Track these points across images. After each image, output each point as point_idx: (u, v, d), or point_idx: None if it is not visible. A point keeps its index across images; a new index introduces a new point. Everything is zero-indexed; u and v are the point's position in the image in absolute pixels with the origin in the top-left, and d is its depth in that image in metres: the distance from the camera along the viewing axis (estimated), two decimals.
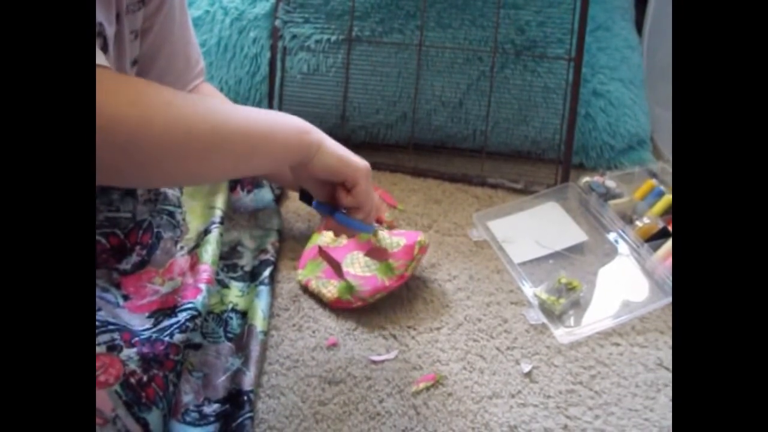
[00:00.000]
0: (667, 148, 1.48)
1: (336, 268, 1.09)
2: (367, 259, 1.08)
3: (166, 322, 0.91)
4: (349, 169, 0.89)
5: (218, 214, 1.12)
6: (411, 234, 1.10)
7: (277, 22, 1.39)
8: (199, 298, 0.95)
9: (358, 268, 1.07)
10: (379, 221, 1.18)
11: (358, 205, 0.92)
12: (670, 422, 0.92)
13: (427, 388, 0.95)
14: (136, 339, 0.84)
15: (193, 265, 1.02)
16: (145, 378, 0.80)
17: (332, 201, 0.94)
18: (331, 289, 1.07)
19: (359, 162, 0.91)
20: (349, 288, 1.05)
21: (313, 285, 1.08)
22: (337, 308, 1.06)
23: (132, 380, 0.78)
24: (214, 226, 1.09)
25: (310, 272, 1.10)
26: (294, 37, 1.38)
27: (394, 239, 1.08)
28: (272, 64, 1.40)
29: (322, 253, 1.12)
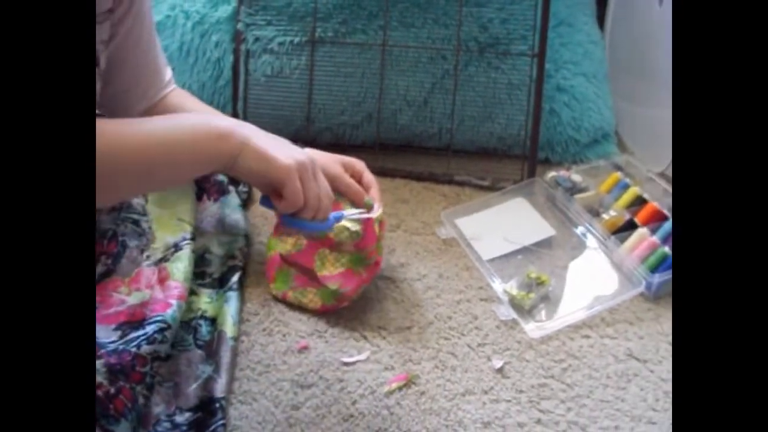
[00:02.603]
0: (631, 141, 1.49)
1: (309, 274, 1.08)
2: (335, 252, 1.07)
3: (133, 334, 0.90)
4: (270, 168, 0.81)
5: (188, 229, 1.10)
6: (364, 217, 1.04)
7: (240, 25, 1.38)
8: (169, 311, 0.94)
9: (331, 266, 1.06)
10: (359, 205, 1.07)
11: (292, 207, 0.84)
12: (641, 412, 0.93)
13: (400, 388, 0.95)
14: (102, 351, 0.83)
15: (163, 280, 1.01)
16: (112, 390, 0.79)
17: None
18: (312, 297, 1.06)
19: (284, 159, 0.81)
20: (332, 292, 1.05)
21: (291, 297, 1.08)
22: (325, 312, 1.06)
23: (99, 393, 0.77)
24: (185, 242, 1.07)
25: (283, 284, 1.09)
26: (257, 39, 1.38)
27: (351, 228, 1.03)
28: (235, 67, 1.39)
29: (288, 261, 1.10)
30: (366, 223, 1.03)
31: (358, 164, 1.09)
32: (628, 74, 1.55)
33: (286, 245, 1.10)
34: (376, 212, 1.04)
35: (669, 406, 0.94)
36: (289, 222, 0.86)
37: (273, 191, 0.84)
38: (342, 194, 1.02)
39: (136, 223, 1.09)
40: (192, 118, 0.84)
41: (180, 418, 0.88)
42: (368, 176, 1.08)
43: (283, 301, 1.08)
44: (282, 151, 0.82)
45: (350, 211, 1.01)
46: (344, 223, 1.03)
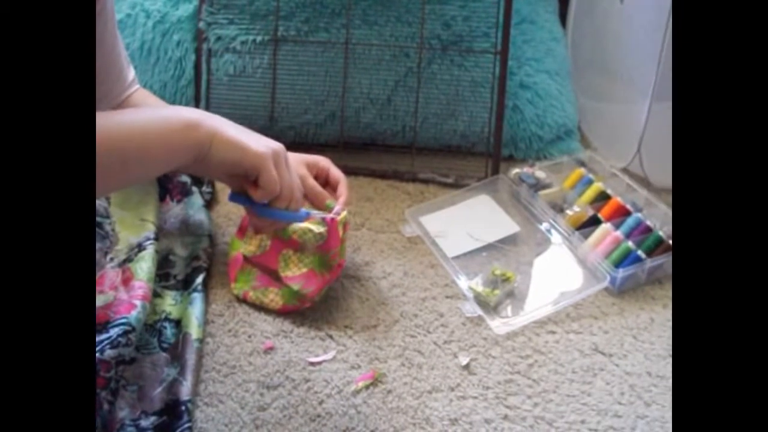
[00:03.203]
0: (594, 137, 1.50)
1: (273, 275, 1.07)
2: (299, 253, 1.07)
3: (96, 338, 0.89)
4: (245, 157, 0.80)
5: (151, 228, 1.10)
6: (327, 216, 1.04)
7: (201, 24, 1.37)
8: (134, 313, 0.93)
9: (294, 267, 1.06)
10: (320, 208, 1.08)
11: (269, 195, 0.84)
12: (607, 406, 0.94)
13: (367, 387, 0.95)
14: None
15: (127, 281, 1.00)
16: None
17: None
18: (273, 297, 1.06)
19: (258, 147, 0.81)
20: (294, 293, 1.04)
21: (252, 296, 1.07)
22: (286, 313, 1.06)
23: None
24: (149, 242, 1.07)
25: (244, 283, 1.08)
26: (219, 38, 1.37)
27: (315, 230, 1.04)
28: (197, 66, 1.38)
29: (252, 262, 1.09)
30: (330, 225, 1.03)
31: (323, 161, 1.08)
32: (590, 71, 1.56)
33: (250, 246, 1.09)
34: (341, 213, 1.04)
35: (634, 399, 0.95)
36: (263, 212, 0.86)
37: (247, 182, 0.84)
38: (305, 196, 1.02)
39: (98, 225, 1.08)
40: (161, 110, 0.84)
41: (145, 423, 0.87)
42: (335, 172, 1.08)
43: (244, 301, 1.08)
44: (253, 139, 0.82)
45: (315, 211, 1.01)
46: (308, 224, 1.03)
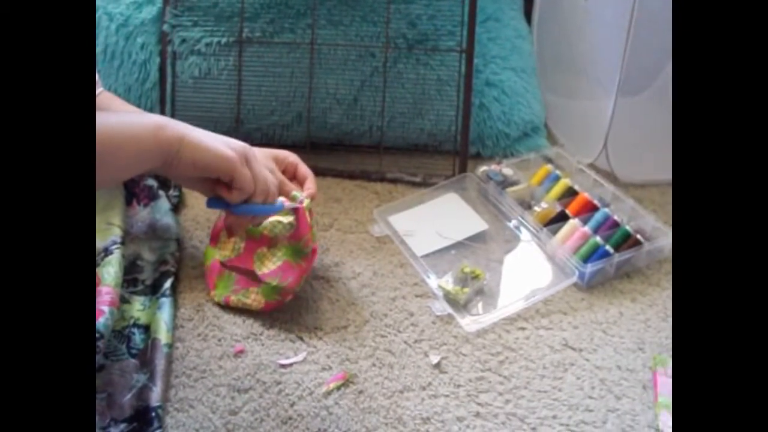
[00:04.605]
0: (560, 133, 1.51)
1: (250, 275, 1.07)
2: (272, 248, 1.06)
3: None
4: (216, 159, 0.82)
5: (118, 233, 1.09)
6: (294, 206, 1.04)
7: (165, 27, 1.36)
8: (102, 320, 0.92)
9: (269, 263, 1.05)
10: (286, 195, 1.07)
11: (245, 196, 0.86)
12: (578, 400, 0.94)
13: (338, 388, 0.95)
14: None
15: None
16: None
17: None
18: (255, 297, 1.05)
19: (226, 151, 0.83)
20: (273, 288, 1.04)
21: (234, 300, 1.06)
22: (270, 310, 1.05)
23: None
24: (115, 246, 1.05)
25: (225, 289, 1.07)
26: (183, 41, 1.36)
27: (284, 221, 1.04)
28: (162, 69, 1.37)
29: (228, 267, 1.09)
30: (297, 213, 1.04)
31: (291, 156, 1.09)
32: (555, 68, 1.57)
33: (225, 252, 1.09)
34: (305, 201, 1.04)
35: (605, 393, 0.96)
36: (241, 210, 0.88)
37: (220, 186, 0.86)
38: None
39: None
40: (128, 114, 0.84)
41: (115, 430, 0.86)
42: (303, 168, 1.09)
43: (225, 306, 1.07)
44: (220, 142, 0.84)
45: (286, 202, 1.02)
46: (276, 217, 1.03)
